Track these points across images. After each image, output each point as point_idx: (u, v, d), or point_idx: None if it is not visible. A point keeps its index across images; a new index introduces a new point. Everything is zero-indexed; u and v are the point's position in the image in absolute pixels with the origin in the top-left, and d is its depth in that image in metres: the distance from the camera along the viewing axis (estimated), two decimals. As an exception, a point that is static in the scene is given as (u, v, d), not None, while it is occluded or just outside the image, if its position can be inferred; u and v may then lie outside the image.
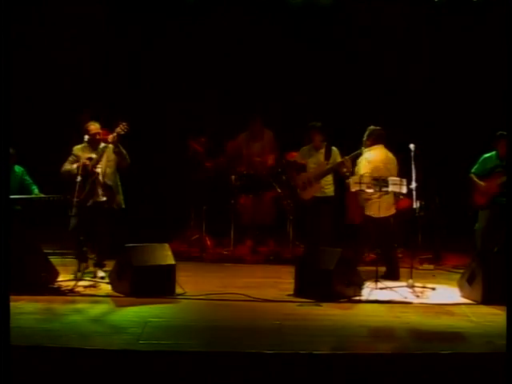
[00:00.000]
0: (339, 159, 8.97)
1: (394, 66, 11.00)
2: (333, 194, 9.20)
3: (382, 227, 8.26)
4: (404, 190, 7.78)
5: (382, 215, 8.16)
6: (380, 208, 8.03)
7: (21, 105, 10.06)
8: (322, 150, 9.18)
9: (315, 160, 9.20)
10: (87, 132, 8.23)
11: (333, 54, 10.99)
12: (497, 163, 8.60)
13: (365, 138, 8.44)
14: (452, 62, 10.87)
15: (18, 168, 8.83)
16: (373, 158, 8.29)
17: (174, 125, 10.91)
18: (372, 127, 8.45)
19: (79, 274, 7.83)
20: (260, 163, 9.91)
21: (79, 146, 8.34)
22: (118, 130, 8.04)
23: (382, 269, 8.22)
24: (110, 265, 8.18)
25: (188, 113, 10.92)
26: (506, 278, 6.49)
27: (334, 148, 9.16)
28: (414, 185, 7.73)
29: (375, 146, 8.36)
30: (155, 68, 11.06)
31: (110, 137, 8.10)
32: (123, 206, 8.38)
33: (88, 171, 8.05)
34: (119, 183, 8.39)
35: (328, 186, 9.17)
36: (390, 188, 7.77)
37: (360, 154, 8.48)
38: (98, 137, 8.22)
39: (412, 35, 11.01)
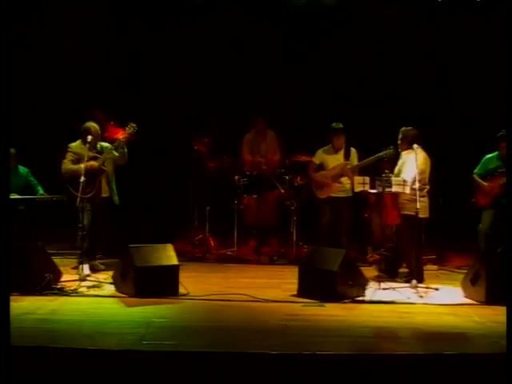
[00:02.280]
0: (356, 161, 8.92)
1: (394, 66, 11.00)
2: (351, 194, 8.97)
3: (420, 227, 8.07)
4: (407, 190, 7.78)
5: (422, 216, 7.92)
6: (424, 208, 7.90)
7: (21, 105, 10.04)
8: (342, 151, 9.07)
9: (335, 160, 9.07)
10: (90, 133, 8.25)
11: (333, 54, 10.99)
12: (499, 164, 8.60)
13: (399, 142, 8.19)
14: (453, 62, 10.89)
15: (22, 169, 8.83)
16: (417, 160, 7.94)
17: (175, 125, 10.92)
18: (404, 128, 8.18)
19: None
20: (263, 163, 9.91)
21: (77, 144, 8.45)
22: (128, 130, 8.34)
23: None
24: (111, 265, 8.20)
25: (188, 113, 10.93)
26: (507, 278, 6.49)
27: (352, 149, 9.06)
28: (416, 185, 7.70)
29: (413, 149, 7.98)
30: (155, 68, 11.07)
31: (122, 137, 8.38)
32: (118, 203, 8.72)
33: (96, 170, 8.23)
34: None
35: (346, 185, 8.99)
36: (394, 188, 7.76)
37: (379, 158, 8.44)
38: (98, 138, 8.42)
39: (413, 35, 11.02)
